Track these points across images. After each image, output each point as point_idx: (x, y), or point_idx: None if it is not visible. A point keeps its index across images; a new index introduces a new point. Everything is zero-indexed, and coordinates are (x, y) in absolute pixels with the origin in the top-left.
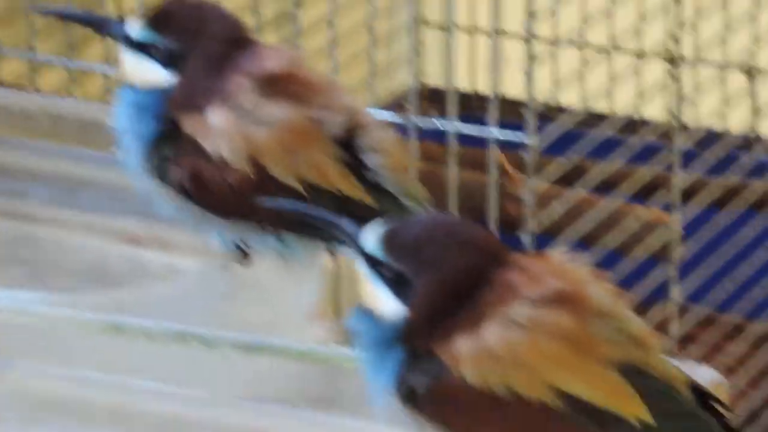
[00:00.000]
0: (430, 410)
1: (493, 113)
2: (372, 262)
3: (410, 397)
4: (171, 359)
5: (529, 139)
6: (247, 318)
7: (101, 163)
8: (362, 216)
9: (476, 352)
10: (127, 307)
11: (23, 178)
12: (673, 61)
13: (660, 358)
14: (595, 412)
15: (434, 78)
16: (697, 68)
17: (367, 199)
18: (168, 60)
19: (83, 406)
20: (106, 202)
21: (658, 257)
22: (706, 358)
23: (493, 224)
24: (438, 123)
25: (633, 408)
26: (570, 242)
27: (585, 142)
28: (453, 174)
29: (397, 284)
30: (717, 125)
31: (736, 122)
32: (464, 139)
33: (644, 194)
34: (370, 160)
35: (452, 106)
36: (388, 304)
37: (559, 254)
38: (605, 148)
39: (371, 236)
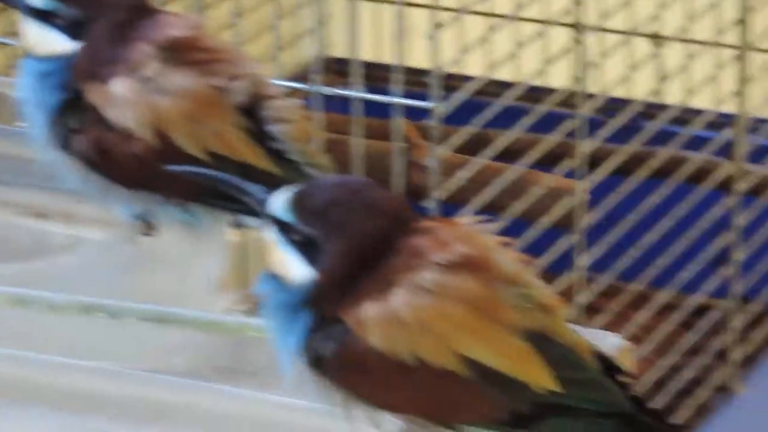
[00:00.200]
0: (336, 375)
1: (397, 80)
2: (281, 226)
3: (317, 362)
4: (77, 331)
5: (434, 105)
6: (152, 289)
7: (4, 135)
8: (267, 185)
9: (383, 318)
10: (32, 279)
11: None
12: (577, 27)
13: (566, 325)
14: (501, 378)
15: (339, 49)
16: (602, 35)
17: (272, 169)
18: (71, 28)
19: None
20: (9, 176)
21: (564, 225)
22: (611, 327)
23: (399, 193)
24: (343, 92)
25: (539, 375)
26: (476, 210)
27: (490, 111)
28: (358, 143)
29: (306, 248)
30: (622, 92)
31: (641, 89)
32: (369, 110)
33: (550, 162)
34: (274, 129)
35: (357, 75)
36: (296, 269)
37: (466, 221)
38: (510, 117)
39: (280, 201)
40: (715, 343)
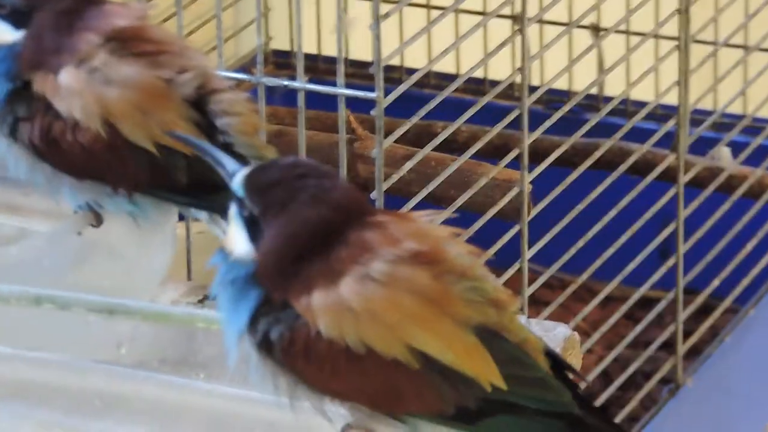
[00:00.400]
0: (283, 360)
1: (340, 71)
2: (237, 201)
3: (264, 345)
4: (24, 323)
5: (378, 95)
6: (99, 281)
7: None
8: (211, 178)
9: (332, 305)
10: None
11: None
12: (516, 19)
13: (516, 320)
14: (448, 372)
15: (281, 41)
16: (543, 27)
17: None
18: (14, 17)
19: None
20: None
21: (509, 218)
22: (557, 320)
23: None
24: (288, 82)
25: (486, 371)
26: (421, 203)
27: (434, 102)
28: (302, 135)
29: (250, 224)
30: (564, 84)
31: (583, 81)
32: (313, 102)
33: (494, 155)
34: (221, 121)
35: (300, 67)
36: (240, 245)
37: (418, 214)
38: (453, 109)
39: (240, 176)
40: (661, 335)
